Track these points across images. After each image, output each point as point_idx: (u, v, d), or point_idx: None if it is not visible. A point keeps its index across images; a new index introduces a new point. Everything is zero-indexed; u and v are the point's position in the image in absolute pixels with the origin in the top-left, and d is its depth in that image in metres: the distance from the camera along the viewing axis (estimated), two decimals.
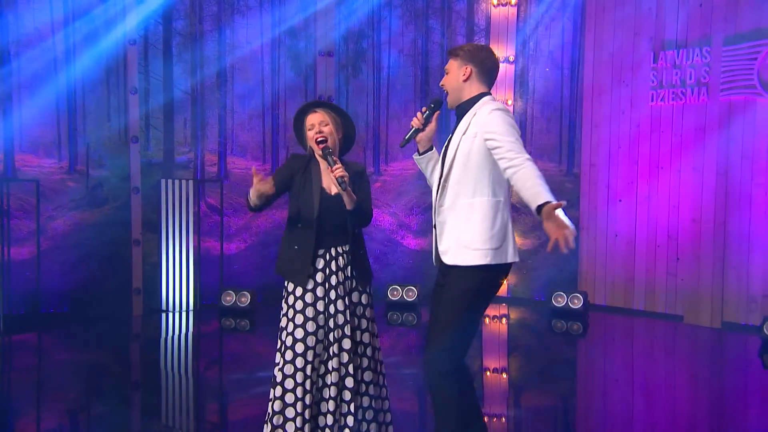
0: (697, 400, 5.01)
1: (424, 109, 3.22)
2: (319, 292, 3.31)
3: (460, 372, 2.96)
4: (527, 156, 2.82)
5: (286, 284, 3.37)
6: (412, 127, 3.20)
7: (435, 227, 3.15)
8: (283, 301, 3.37)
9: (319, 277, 3.32)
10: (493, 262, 2.93)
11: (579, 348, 6.63)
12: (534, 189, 2.72)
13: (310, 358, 3.26)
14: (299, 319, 3.29)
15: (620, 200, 7.46)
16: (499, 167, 2.91)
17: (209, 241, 7.29)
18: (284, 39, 7.53)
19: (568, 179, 7.77)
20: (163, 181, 7.00)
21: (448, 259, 2.98)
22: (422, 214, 8.00)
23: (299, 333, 3.27)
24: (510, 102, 7.74)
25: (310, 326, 3.28)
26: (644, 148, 7.29)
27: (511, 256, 2.98)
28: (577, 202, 7.76)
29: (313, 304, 3.29)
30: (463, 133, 2.98)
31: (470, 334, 2.99)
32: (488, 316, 7.43)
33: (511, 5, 7.64)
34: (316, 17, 7.56)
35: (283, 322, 3.34)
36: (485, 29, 7.74)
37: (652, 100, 7.23)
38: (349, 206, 3.26)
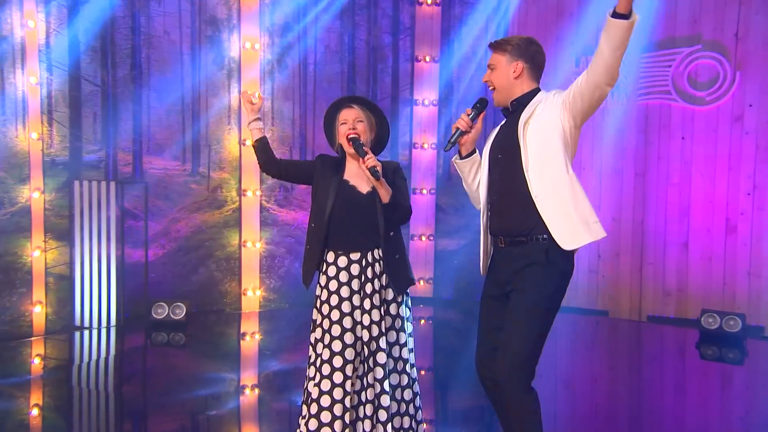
0: (658, 390, 5.19)
1: (468, 110, 3.04)
2: (356, 300, 3.03)
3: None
4: None
5: (318, 293, 3.06)
6: (457, 129, 3.01)
7: (487, 230, 2.97)
8: (316, 310, 3.06)
9: (355, 284, 3.04)
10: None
11: None
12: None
13: (349, 372, 2.97)
14: (336, 330, 2.99)
15: None
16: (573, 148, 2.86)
17: (124, 248, 6.59)
18: (205, 29, 6.98)
19: None
20: (76, 182, 6.22)
21: (573, 242, 2.74)
22: None
23: (337, 345, 2.98)
24: (434, 101, 7.64)
25: (348, 338, 2.99)
26: None
27: None
28: None
29: (351, 314, 3.01)
30: (527, 122, 2.83)
31: (543, 343, 2.82)
32: (417, 318, 7.34)
33: (436, 4, 7.59)
34: (240, 8, 7.08)
35: (318, 334, 3.03)
36: (410, 28, 7.63)
37: None
38: (384, 199, 3.02)
